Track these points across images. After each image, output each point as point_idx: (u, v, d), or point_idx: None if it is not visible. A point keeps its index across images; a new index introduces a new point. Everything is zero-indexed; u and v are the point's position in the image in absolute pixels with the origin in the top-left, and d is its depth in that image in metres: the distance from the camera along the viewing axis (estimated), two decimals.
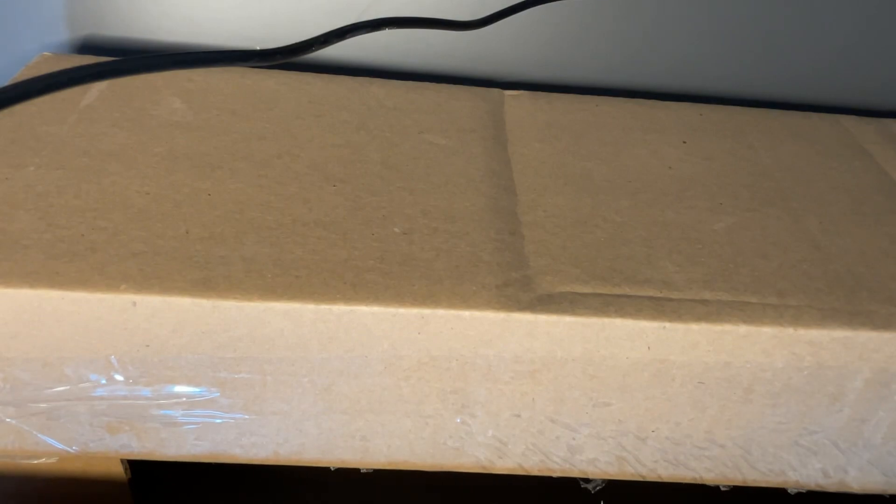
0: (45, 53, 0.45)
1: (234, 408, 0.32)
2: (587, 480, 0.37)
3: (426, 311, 0.30)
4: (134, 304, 0.29)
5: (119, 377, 0.31)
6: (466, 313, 0.30)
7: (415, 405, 0.32)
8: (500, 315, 0.30)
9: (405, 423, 0.33)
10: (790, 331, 0.31)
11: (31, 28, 0.49)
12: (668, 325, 0.31)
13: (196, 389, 0.31)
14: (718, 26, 0.50)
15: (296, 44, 0.27)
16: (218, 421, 0.33)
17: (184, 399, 0.32)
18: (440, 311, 0.30)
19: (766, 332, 0.31)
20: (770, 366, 0.32)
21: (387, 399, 0.32)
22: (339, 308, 0.30)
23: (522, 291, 0.31)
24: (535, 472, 0.35)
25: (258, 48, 0.25)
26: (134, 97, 0.41)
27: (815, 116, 0.47)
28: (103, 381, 0.31)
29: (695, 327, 0.31)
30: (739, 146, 0.43)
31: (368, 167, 0.38)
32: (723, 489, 0.36)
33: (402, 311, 0.30)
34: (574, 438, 0.34)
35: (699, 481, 0.35)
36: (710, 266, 0.34)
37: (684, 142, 0.43)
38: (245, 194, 0.35)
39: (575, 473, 0.35)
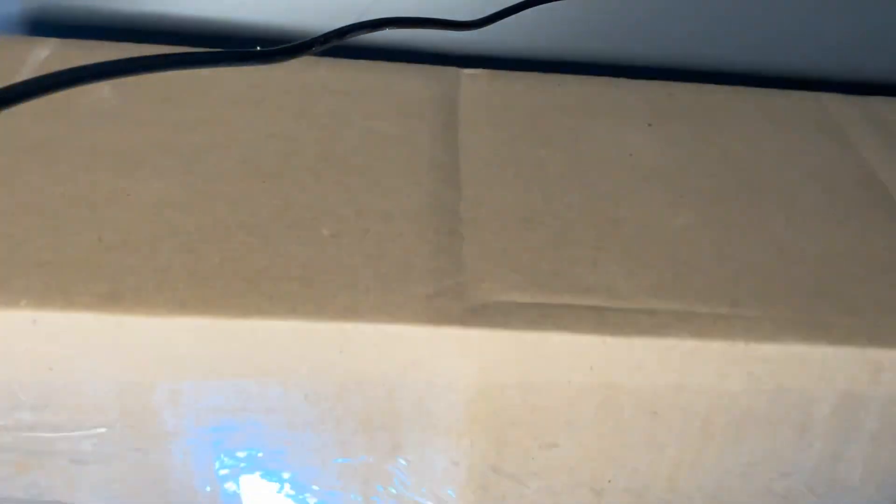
0: None
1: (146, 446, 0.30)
2: None
3: (348, 326, 0.28)
4: (34, 321, 0.28)
5: (23, 406, 0.29)
6: (391, 327, 0.28)
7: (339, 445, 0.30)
8: (428, 329, 0.28)
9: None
10: (741, 345, 0.29)
11: None
12: (609, 339, 0.29)
13: (105, 419, 0.30)
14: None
15: (296, 44, 0.26)
16: (131, 460, 0.31)
17: (93, 432, 0.30)
18: (362, 326, 0.28)
19: (716, 347, 0.29)
20: (726, 390, 0.29)
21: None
22: (254, 323, 0.28)
23: (454, 301, 0.29)
24: None
25: (258, 48, 0.24)
26: None
27: (794, 95, 0.44)
28: (6, 411, 0.29)
29: (638, 342, 0.29)
30: (708, 129, 0.40)
31: (303, 161, 0.35)
32: None
33: (321, 325, 0.28)
34: (523, 495, 0.31)
35: None
36: (660, 271, 0.31)
37: (649, 124, 0.40)
38: (167, 194, 0.33)
39: None
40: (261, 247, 0.31)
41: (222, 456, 0.30)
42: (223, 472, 0.30)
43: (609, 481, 0.31)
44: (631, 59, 0.48)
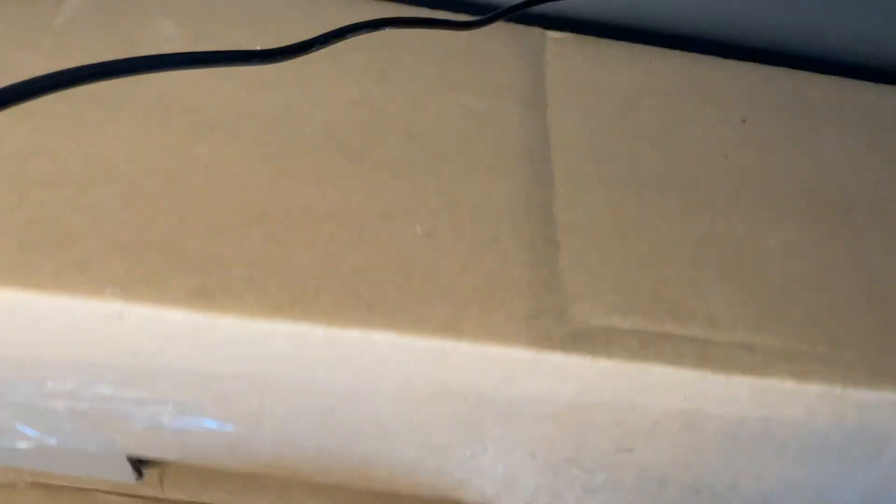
0: None
1: (226, 419, 0.30)
2: None
3: (448, 344, 0.27)
4: (121, 315, 0.26)
5: (102, 381, 0.28)
6: (492, 349, 0.27)
7: (423, 435, 0.30)
8: (530, 353, 0.27)
9: (409, 451, 0.31)
10: (838, 390, 0.29)
11: None
12: (709, 375, 0.28)
13: (186, 398, 0.29)
14: None
15: (296, 44, 0.26)
16: (206, 429, 0.30)
17: (171, 407, 0.29)
18: (464, 345, 0.27)
19: (814, 389, 0.29)
20: (810, 424, 0.29)
21: (393, 426, 0.30)
22: (352, 333, 0.27)
23: (556, 323, 0.28)
24: None
25: (258, 48, 0.25)
26: (118, 16, 0.35)
27: (890, 92, 0.42)
28: (84, 384, 0.28)
29: (738, 380, 0.28)
30: (805, 131, 0.38)
31: (390, 136, 0.33)
32: None
33: (421, 341, 0.27)
34: (590, 481, 0.32)
35: None
36: (760, 299, 0.31)
37: (744, 120, 0.38)
38: (248, 167, 0.30)
39: None
40: (354, 242, 0.29)
41: None
42: None
43: (673, 478, 0.31)
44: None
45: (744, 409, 0.29)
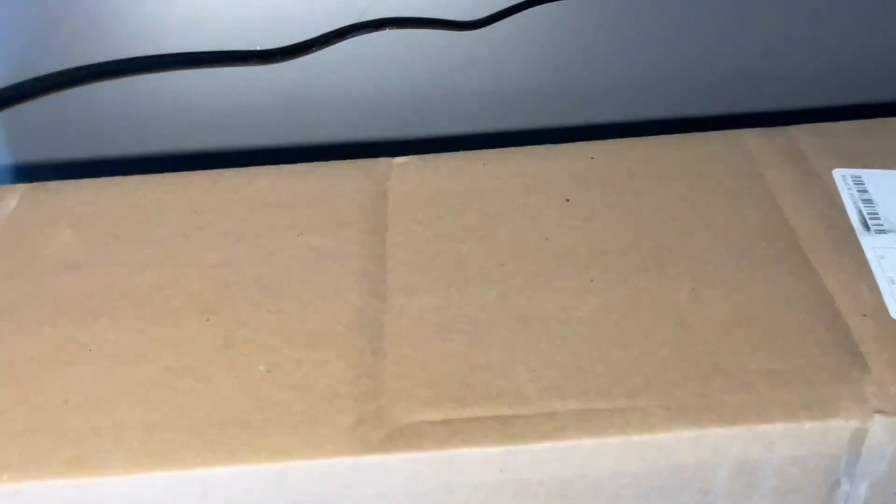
0: None
1: None
2: None
3: (280, 466, 0.32)
4: (17, 492, 0.32)
5: None
6: (319, 462, 0.32)
7: None
8: (352, 460, 0.32)
9: None
10: (636, 438, 0.32)
11: None
12: (513, 447, 0.32)
13: None
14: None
15: (296, 44, 0.28)
16: None
17: None
18: (293, 464, 0.32)
19: (612, 442, 0.32)
20: (627, 471, 0.32)
21: None
22: (198, 472, 0.32)
23: (374, 428, 0.32)
24: None
25: (258, 48, 0.25)
26: (26, 232, 0.43)
27: (714, 139, 0.45)
28: None
29: (539, 447, 0.32)
30: (624, 197, 0.42)
31: (242, 289, 0.39)
32: None
33: (258, 467, 0.32)
34: None
35: None
36: (564, 367, 0.34)
37: (567, 200, 0.42)
38: (122, 343, 0.37)
39: None
40: (205, 391, 0.34)
41: None
42: None
43: None
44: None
45: (559, 471, 0.32)
